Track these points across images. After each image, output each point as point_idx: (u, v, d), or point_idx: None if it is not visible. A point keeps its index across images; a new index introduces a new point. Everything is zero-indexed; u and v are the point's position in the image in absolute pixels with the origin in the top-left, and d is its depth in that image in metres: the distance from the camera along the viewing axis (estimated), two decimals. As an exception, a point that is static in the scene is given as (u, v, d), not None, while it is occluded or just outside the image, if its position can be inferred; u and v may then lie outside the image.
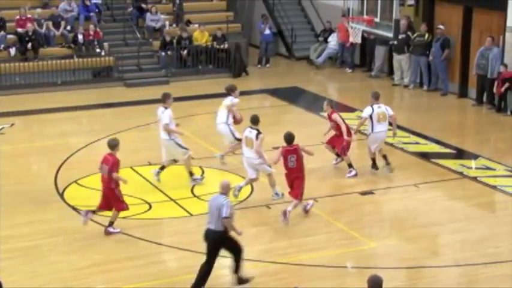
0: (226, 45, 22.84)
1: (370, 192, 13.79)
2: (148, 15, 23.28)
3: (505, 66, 18.42)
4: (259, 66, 24.17)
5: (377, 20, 17.19)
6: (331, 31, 23.99)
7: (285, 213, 12.24)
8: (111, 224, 12.06)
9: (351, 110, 18.60)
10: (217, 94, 20.42)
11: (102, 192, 12.03)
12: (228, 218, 10.10)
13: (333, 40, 23.73)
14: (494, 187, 14.12)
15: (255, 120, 13.31)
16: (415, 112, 19.05)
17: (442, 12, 20.81)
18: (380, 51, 22.29)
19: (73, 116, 19.10)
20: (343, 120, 14.61)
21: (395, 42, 20.76)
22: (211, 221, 10.20)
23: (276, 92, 20.90)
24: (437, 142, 16.55)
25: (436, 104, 19.85)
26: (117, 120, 18.42)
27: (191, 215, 12.85)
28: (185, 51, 22.53)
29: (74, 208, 13.07)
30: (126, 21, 23.26)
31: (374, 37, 21.08)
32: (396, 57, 21.52)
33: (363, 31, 18.22)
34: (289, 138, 12.57)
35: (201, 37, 22.86)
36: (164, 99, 13.93)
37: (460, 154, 16.06)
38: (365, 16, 17.54)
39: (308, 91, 21.33)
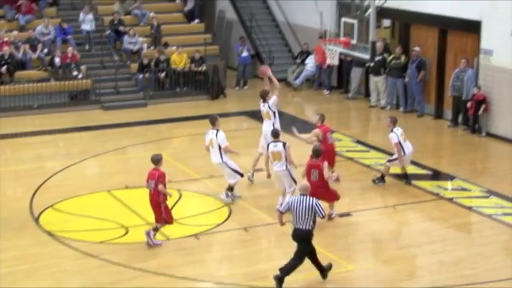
0: (204, 68, 22.88)
1: (348, 214, 13.80)
2: (126, 37, 23.27)
3: (479, 88, 18.62)
4: (237, 88, 24.21)
5: (354, 42, 17.31)
6: (308, 53, 24.12)
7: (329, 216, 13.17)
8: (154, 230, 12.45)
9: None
10: (195, 117, 20.48)
11: (152, 208, 12.32)
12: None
13: (310, 62, 23.86)
14: (470, 208, 14.20)
15: (276, 134, 13.80)
16: (392, 133, 19.13)
17: (418, 35, 21.03)
18: (356, 73, 22.44)
19: (50, 139, 18.95)
20: (320, 141, 14.59)
21: (372, 64, 20.93)
22: (298, 221, 10.77)
23: (253, 114, 20.84)
24: (414, 163, 16.60)
25: (412, 126, 19.94)
26: (94, 144, 18.33)
27: (168, 239, 12.77)
28: (163, 74, 22.54)
29: (49, 233, 12.95)
30: (104, 43, 23.24)
31: (351, 59, 21.23)
32: (373, 79, 21.68)
33: (340, 53, 18.32)
34: (316, 152, 13.01)
35: (179, 59, 22.88)
36: (213, 122, 14.21)
37: (436, 175, 16.16)
38: (342, 38, 17.67)
39: (286, 113, 21.32)
